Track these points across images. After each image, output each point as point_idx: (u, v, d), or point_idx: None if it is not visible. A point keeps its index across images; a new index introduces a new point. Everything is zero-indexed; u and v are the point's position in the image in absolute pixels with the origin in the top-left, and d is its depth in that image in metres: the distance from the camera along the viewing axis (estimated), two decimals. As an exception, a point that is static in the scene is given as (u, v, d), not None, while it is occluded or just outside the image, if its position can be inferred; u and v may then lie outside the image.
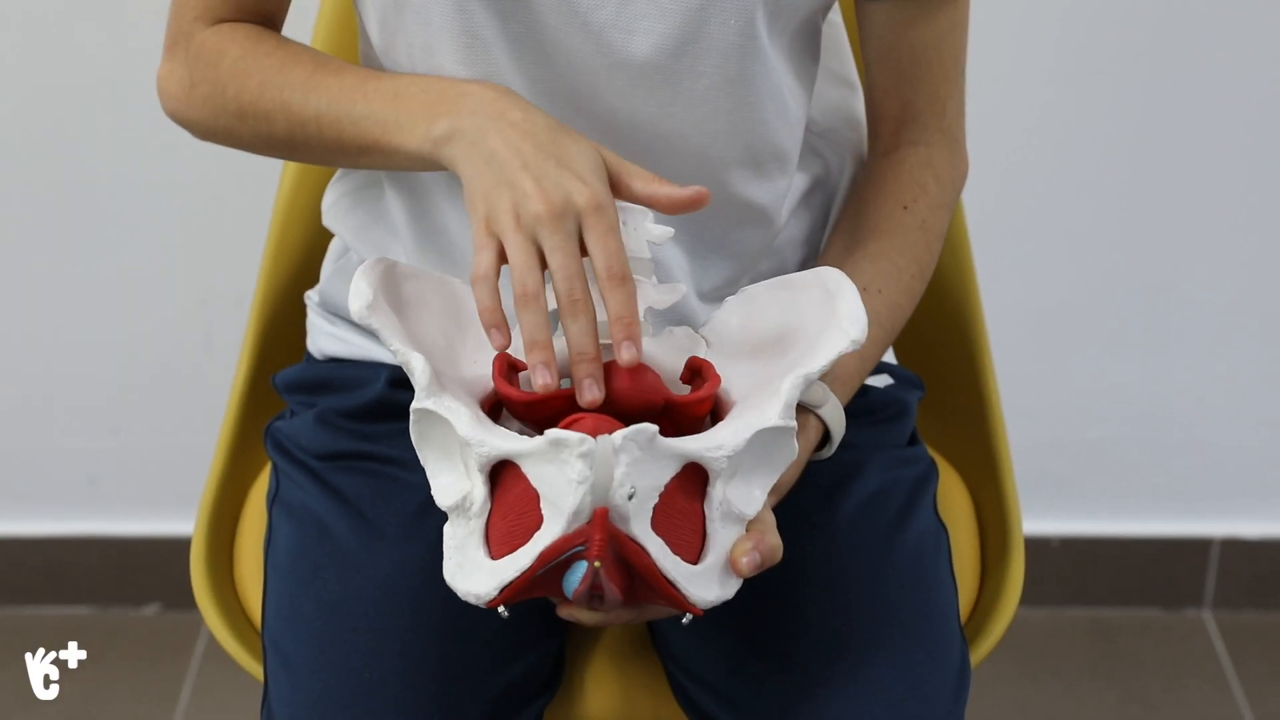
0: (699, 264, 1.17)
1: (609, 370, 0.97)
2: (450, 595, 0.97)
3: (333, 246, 1.29)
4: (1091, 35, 1.81)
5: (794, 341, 1.01)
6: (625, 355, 0.95)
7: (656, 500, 0.93)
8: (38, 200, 1.87)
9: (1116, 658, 2.02)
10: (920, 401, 1.31)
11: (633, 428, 0.91)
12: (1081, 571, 2.07)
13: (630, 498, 0.91)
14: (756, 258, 1.19)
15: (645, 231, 1.01)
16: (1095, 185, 1.89)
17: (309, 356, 1.28)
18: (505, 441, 0.94)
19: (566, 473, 0.91)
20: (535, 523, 0.93)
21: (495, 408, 1.02)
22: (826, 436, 1.11)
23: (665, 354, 1.04)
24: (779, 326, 1.03)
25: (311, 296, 1.29)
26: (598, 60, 1.07)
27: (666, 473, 0.94)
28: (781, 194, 1.17)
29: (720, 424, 0.98)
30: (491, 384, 1.01)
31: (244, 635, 1.23)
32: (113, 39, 1.79)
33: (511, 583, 0.93)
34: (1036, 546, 2.02)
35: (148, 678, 1.97)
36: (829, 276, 1.03)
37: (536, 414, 0.98)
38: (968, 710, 1.12)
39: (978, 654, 1.22)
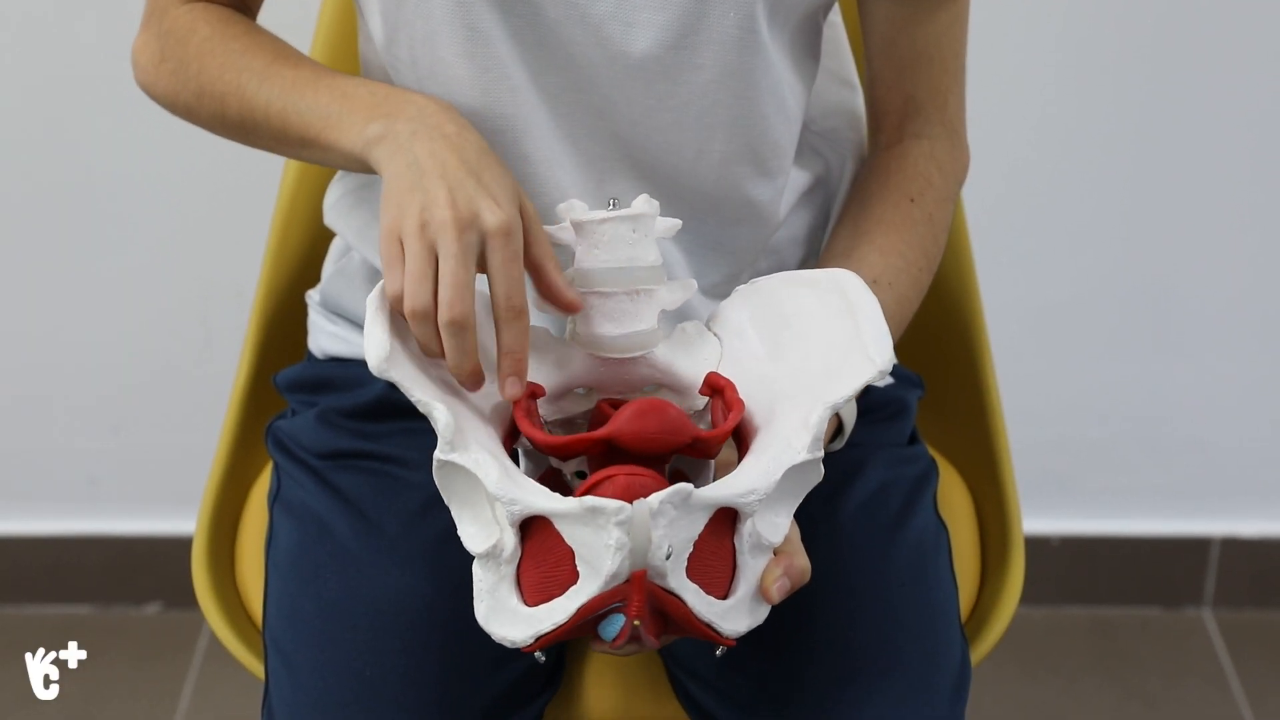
0: (697, 261, 1.17)
1: (634, 415, 0.96)
2: (451, 594, 0.98)
3: (334, 246, 1.29)
4: (1093, 33, 1.82)
5: (812, 349, 1.01)
6: (510, 390, 0.97)
7: (691, 549, 0.94)
8: (38, 199, 1.88)
9: (1116, 656, 2.02)
10: (920, 400, 1.31)
11: (669, 490, 0.91)
12: (1081, 570, 2.07)
13: (667, 557, 0.91)
14: (755, 255, 1.19)
15: (654, 230, 1.01)
16: (1097, 184, 1.89)
17: (310, 355, 1.29)
18: (537, 499, 0.93)
19: (603, 538, 0.90)
20: (570, 576, 0.93)
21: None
22: (838, 428, 1.11)
23: (679, 358, 1.04)
24: (795, 329, 1.02)
25: (312, 296, 1.30)
26: (597, 53, 1.07)
27: (700, 523, 0.94)
28: (780, 190, 1.18)
29: (748, 460, 0.98)
30: (511, 406, 1.00)
31: (245, 634, 1.23)
32: (111, 36, 1.78)
33: (547, 634, 0.93)
34: (1036, 545, 2.02)
35: (149, 677, 1.97)
36: (849, 285, 1.02)
37: (561, 454, 0.98)
38: (968, 709, 1.12)
39: (978, 652, 1.22)
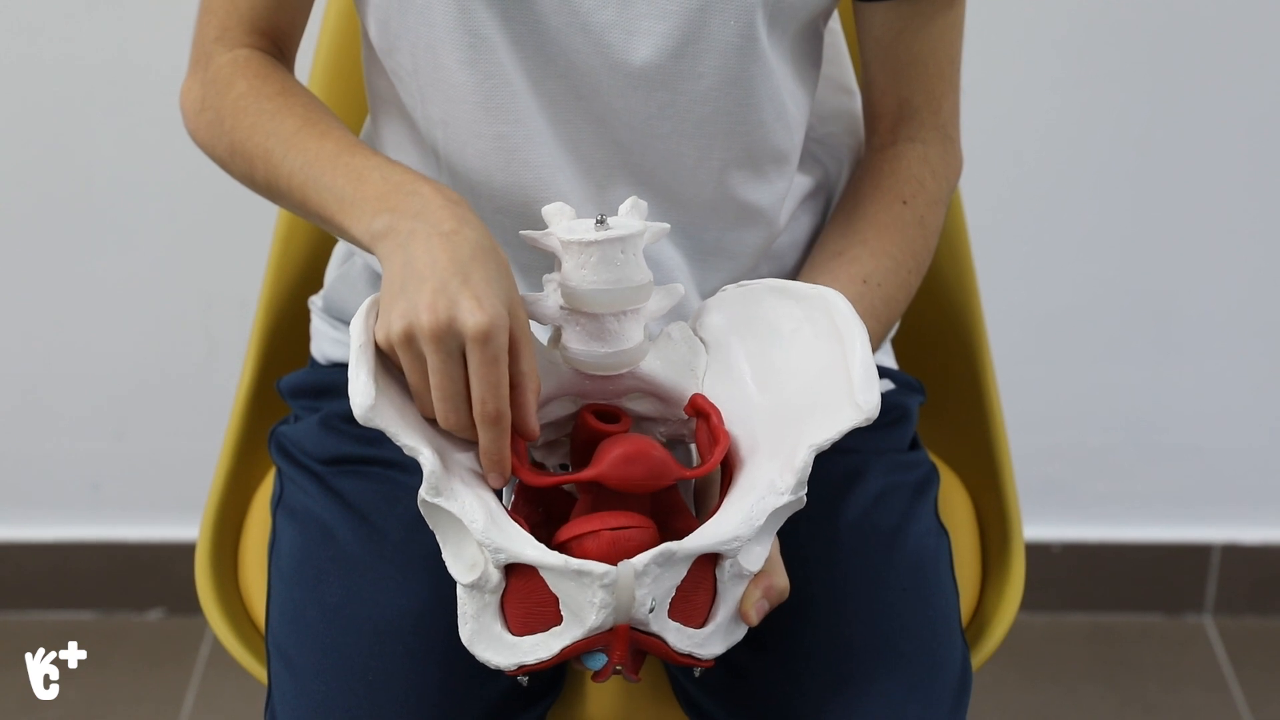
0: (698, 266, 1.17)
1: (621, 461, 0.97)
2: (452, 599, 0.98)
3: (336, 251, 1.30)
4: (1095, 40, 1.82)
5: (798, 376, 1.01)
6: (492, 482, 0.98)
7: (674, 594, 0.95)
8: (41, 205, 1.88)
9: (1117, 663, 2.02)
10: (921, 406, 1.31)
11: (654, 552, 0.92)
12: (1082, 577, 2.07)
13: (651, 610, 0.93)
14: (756, 259, 1.19)
15: (643, 244, 1.00)
16: (1098, 191, 1.89)
17: (313, 361, 1.29)
18: (524, 549, 0.94)
19: (588, 595, 0.92)
20: (554, 616, 0.94)
21: None
22: None
23: (665, 370, 1.03)
24: (782, 350, 1.02)
25: (315, 301, 1.30)
26: (598, 60, 1.08)
27: (683, 571, 0.95)
28: (780, 196, 1.18)
29: (730, 501, 0.98)
30: None
31: (248, 639, 1.23)
32: (114, 42, 1.79)
33: (531, 665, 0.95)
34: (1037, 552, 2.02)
35: (152, 683, 1.97)
36: (838, 309, 1.00)
37: (548, 493, 1.00)
38: (968, 715, 1.12)
39: (978, 658, 1.22)
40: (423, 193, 1.00)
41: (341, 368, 1.25)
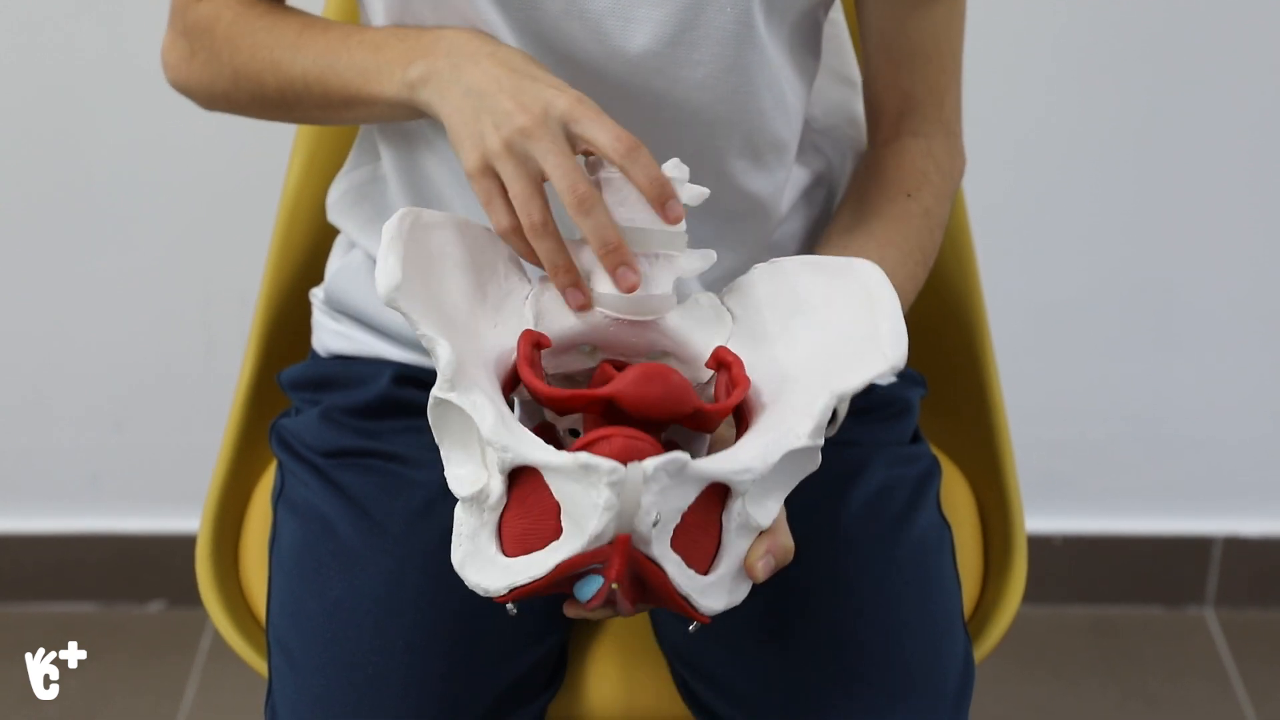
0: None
1: (639, 379, 0.95)
2: (453, 592, 0.98)
3: (338, 243, 1.30)
4: (1097, 31, 1.82)
5: (826, 336, 1.00)
6: (668, 216, 0.98)
7: (678, 520, 0.92)
8: (41, 197, 1.88)
9: (1118, 655, 2.02)
10: (923, 399, 1.31)
11: (665, 458, 0.90)
12: (1084, 569, 2.07)
13: (655, 524, 0.90)
14: (757, 250, 1.19)
15: (682, 195, 1.00)
16: (1100, 182, 1.89)
17: (313, 354, 1.29)
18: (531, 450, 0.92)
19: (593, 496, 0.89)
20: (553, 530, 0.92)
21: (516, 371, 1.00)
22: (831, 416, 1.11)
23: (690, 329, 1.03)
24: (811, 315, 1.02)
25: (316, 294, 1.30)
26: (596, 48, 1.08)
27: (691, 494, 0.92)
28: (780, 185, 1.18)
29: (746, 438, 0.97)
30: (514, 354, 0.99)
31: (249, 632, 1.23)
32: (113, 38, 1.79)
33: (523, 586, 0.92)
34: (1039, 544, 2.02)
35: (152, 675, 1.97)
36: (870, 276, 1.00)
37: (561, 408, 0.97)
38: (970, 708, 1.12)
39: (980, 651, 1.22)
40: (445, 35, 1.03)
41: (343, 360, 1.25)
